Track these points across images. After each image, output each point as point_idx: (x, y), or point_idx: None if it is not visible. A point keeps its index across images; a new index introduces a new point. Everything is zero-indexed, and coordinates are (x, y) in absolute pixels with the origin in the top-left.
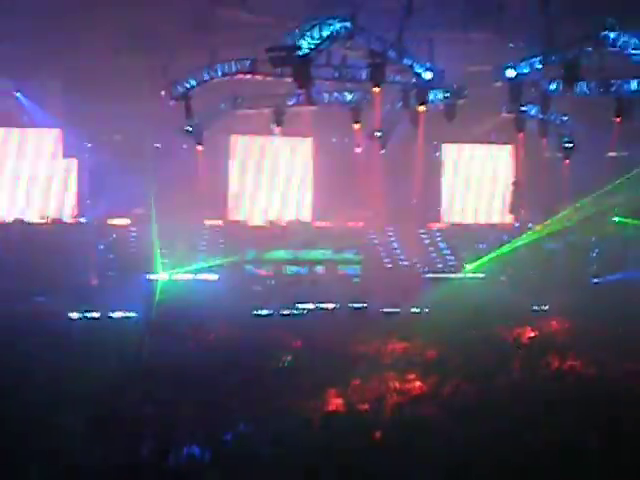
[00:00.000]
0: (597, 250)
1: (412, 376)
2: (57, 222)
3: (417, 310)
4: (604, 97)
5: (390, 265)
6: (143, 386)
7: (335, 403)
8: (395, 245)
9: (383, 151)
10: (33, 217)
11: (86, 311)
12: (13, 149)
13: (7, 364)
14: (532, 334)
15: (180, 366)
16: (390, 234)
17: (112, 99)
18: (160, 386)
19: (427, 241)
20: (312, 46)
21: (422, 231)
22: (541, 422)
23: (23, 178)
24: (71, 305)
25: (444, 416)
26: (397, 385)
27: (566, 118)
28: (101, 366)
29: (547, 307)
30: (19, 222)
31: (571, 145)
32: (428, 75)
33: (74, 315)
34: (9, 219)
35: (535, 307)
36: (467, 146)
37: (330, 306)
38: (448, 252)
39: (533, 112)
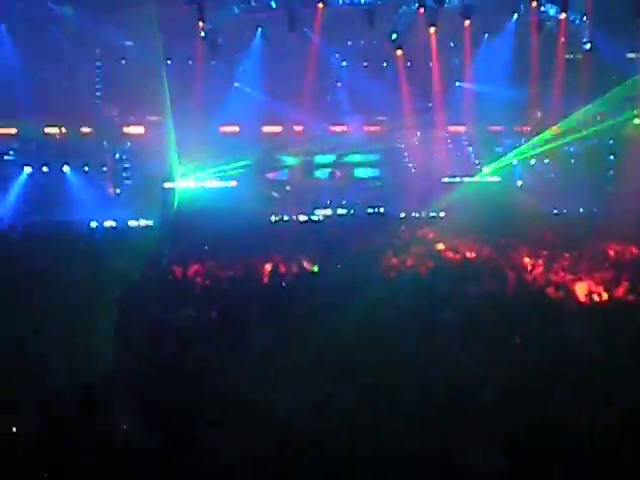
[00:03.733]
0: (614, 154)
1: None
2: (72, 131)
3: (435, 214)
4: None
5: (408, 169)
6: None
7: None
8: (413, 149)
9: (399, 53)
10: (48, 127)
11: (104, 220)
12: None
13: (30, 272)
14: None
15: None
16: (408, 138)
17: (122, 5)
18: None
19: (444, 145)
20: None
21: (439, 135)
22: None
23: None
24: (90, 215)
25: None
26: None
27: (585, 19)
28: (121, 273)
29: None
30: (35, 131)
31: (590, 46)
32: None
33: (93, 224)
34: (25, 129)
35: (555, 211)
36: (485, 47)
37: (348, 211)
38: (465, 156)
39: (552, 12)
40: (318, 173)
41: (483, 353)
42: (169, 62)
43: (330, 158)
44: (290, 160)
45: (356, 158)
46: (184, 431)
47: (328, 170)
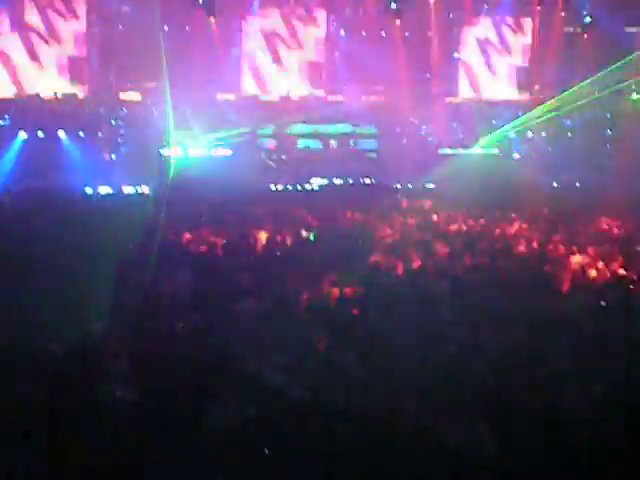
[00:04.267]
0: (612, 129)
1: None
2: (68, 97)
3: (431, 186)
4: None
5: (405, 140)
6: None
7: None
8: (410, 120)
9: (398, 22)
10: (44, 92)
11: (100, 186)
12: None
13: (24, 237)
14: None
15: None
16: (404, 109)
17: None
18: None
19: (441, 116)
20: None
21: (437, 106)
22: None
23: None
24: (85, 181)
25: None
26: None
27: None
28: (116, 239)
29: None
30: (30, 96)
31: (590, 20)
32: None
33: (88, 191)
34: (23, 94)
35: (555, 184)
36: (485, 19)
37: (344, 182)
38: (462, 128)
39: None
40: (314, 142)
41: (477, 327)
42: (166, 28)
43: (326, 128)
44: (286, 129)
45: (353, 128)
46: (180, 398)
47: (325, 139)
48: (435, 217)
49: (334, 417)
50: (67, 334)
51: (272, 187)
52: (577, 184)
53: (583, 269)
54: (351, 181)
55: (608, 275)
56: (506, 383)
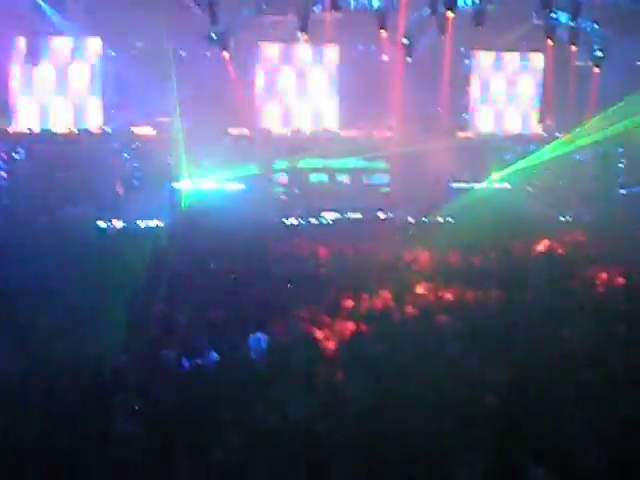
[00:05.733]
0: (625, 161)
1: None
2: (82, 132)
3: (442, 220)
4: (636, 5)
5: (417, 175)
6: (166, 292)
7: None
8: (422, 155)
9: (410, 59)
10: (58, 127)
11: (112, 220)
12: (35, 57)
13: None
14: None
15: (204, 273)
16: (417, 143)
17: (133, 4)
18: (183, 292)
19: (453, 151)
20: None
21: (449, 140)
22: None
23: (49, 87)
24: (97, 214)
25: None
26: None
27: (597, 26)
28: (127, 273)
29: (572, 218)
30: (44, 132)
31: (601, 54)
32: None
33: (101, 224)
34: (34, 129)
35: (562, 218)
36: (496, 54)
37: (356, 215)
38: (474, 162)
39: (563, 19)
40: (327, 177)
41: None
42: (179, 63)
43: (339, 162)
44: (299, 163)
45: (365, 163)
46: (188, 433)
47: (337, 174)
48: (447, 252)
49: None
50: (79, 366)
51: (284, 221)
52: (587, 217)
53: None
54: (363, 215)
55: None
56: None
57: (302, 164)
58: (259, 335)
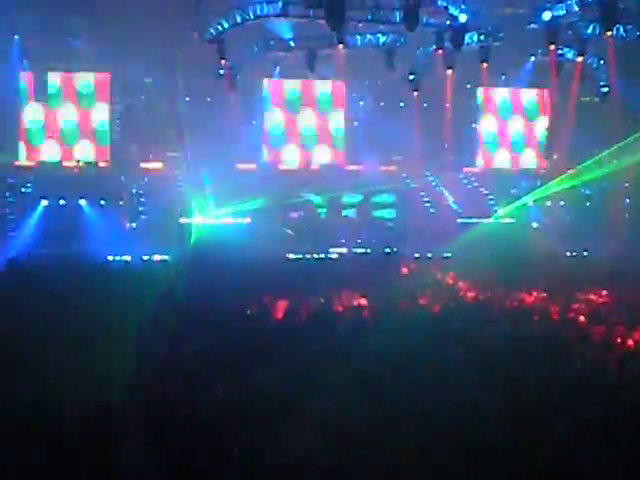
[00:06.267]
0: (630, 198)
1: None
2: (90, 166)
3: (449, 255)
4: None
5: (423, 210)
6: (174, 325)
7: None
8: (429, 190)
9: (416, 94)
10: (67, 161)
11: (119, 254)
12: (43, 92)
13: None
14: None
15: (212, 309)
16: (423, 179)
17: (142, 40)
18: (190, 327)
19: (460, 186)
20: None
21: (455, 176)
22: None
23: (58, 121)
24: (105, 249)
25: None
26: None
27: (602, 62)
28: (133, 309)
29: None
30: (53, 165)
31: (607, 90)
32: (463, 17)
33: (109, 258)
34: (44, 163)
35: (568, 253)
36: (502, 89)
37: (363, 250)
38: (481, 197)
39: (569, 55)
40: (334, 211)
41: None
42: (187, 99)
43: (347, 197)
44: (305, 198)
45: (372, 197)
46: (194, 467)
47: (343, 209)
48: (453, 287)
49: None
50: (84, 401)
51: (290, 256)
52: (587, 253)
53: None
54: (370, 250)
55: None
56: None
57: (309, 199)
58: None
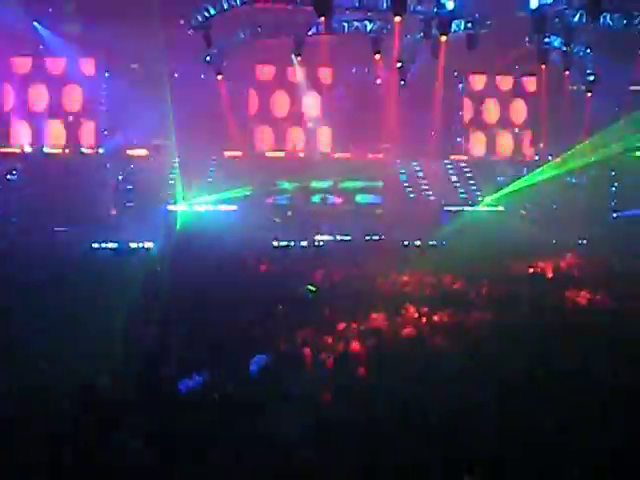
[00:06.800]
0: (616, 184)
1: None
2: (75, 153)
3: (435, 243)
4: (628, 29)
5: (410, 197)
6: (160, 316)
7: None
8: (415, 177)
9: (403, 82)
10: (51, 148)
11: (105, 242)
12: (30, 78)
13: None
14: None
15: (198, 297)
16: (410, 166)
17: (129, 27)
18: (177, 317)
19: (447, 174)
20: None
21: (442, 163)
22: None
23: (40, 108)
24: (90, 236)
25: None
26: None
27: (589, 50)
28: (120, 295)
29: (566, 241)
30: (38, 153)
31: (593, 78)
32: (450, 4)
33: (94, 245)
34: (28, 149)
35: (554, 241)
36: (489, 77)
37: (349, 238)
38: (467, 185)
39: (556, 44)
40: (319, 198)
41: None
42: (174, 86)
43: (332, 184)
44: (291, 185)
45: (358, 184)
46: (185, 450)
47: (329, 196)
48: (438, 275)
49: None
50: (73, 388)
51: (275, 243)
52: (580, 241)
53: None
54: (355, 237)
55: None
56: None
57: (295, 186)
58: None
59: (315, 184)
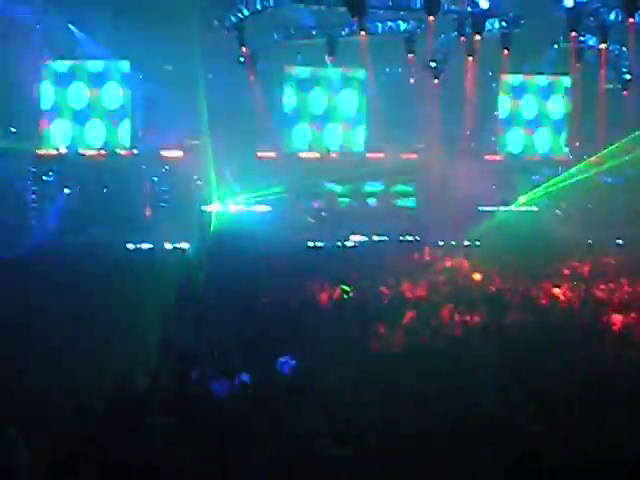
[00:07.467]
0: None
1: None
2: (111, 154)
3: (469, 243)
4: None
5: (444, 197)
6: (195, 314)
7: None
8: (449, 177)
9: (437, 81)
10: (87, 149)
11: (140, 242)
12: (67, 82)
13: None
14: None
15: (232, 297)
16: (444, 166)
17: (162, 29)
18: (211, 315)
19: (481, 173)
20: None
21: (476, 163)
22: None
23: (77, 110)
24: (125, 236)
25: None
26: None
27: (625, 49)
28: (155, 295)
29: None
30: (74, 154)
31: (629, 76)
32: (484, 3)
33: (129, 246)
34: (64, 151)
35: (589, 240)
36: (524, 77)
37: (383, 239)
38: (502, 184)
39: (591, 42)
40: (354, 200)
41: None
42: (208, 86)
43: (367, 185)
44: (326, 186)
45: (393, 186)
46: (215, 450)
47: (365, 197)
48: (476, 276)
49: None
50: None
51: (310, 244)
52: (618, 241)
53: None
54: (389, 238)
55: None
56: None
57: (329, 187)
58: (285, 359)
59: (355, 186)
